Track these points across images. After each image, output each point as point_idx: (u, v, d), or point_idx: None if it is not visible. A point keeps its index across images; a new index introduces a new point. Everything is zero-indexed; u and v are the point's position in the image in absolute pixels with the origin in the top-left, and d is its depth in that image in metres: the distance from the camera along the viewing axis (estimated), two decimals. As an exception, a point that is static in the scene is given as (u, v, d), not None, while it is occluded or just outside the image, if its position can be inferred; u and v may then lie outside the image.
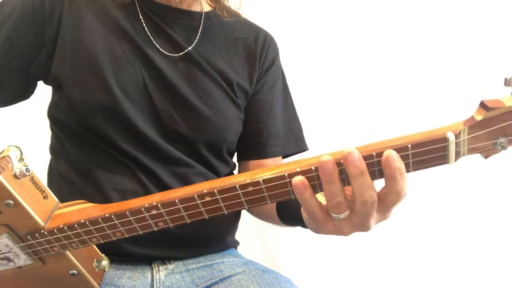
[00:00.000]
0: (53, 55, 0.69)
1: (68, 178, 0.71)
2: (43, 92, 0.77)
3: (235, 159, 0.86)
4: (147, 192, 0.68)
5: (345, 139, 1.17)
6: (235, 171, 0.85)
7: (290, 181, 0.46)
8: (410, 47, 1.22)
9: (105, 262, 0.61)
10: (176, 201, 0.48)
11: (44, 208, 0.52)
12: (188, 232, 0.69)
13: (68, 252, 0.55)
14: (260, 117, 0.80)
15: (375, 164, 0.45)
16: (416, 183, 1.14)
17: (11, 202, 0.48)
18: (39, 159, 0.85)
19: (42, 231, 0.51)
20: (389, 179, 0.44)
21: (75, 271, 0.57)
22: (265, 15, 0.99)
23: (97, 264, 0.60)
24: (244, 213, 0.79)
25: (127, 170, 0.69)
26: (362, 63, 1.23)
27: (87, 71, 0.67)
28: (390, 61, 1.22)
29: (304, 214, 0.51)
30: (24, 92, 0.76)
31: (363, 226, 0.46)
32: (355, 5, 1.23)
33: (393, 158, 0.42)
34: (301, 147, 0.84)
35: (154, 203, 0.48)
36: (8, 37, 0.69)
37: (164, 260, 0.71)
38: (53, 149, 0.77)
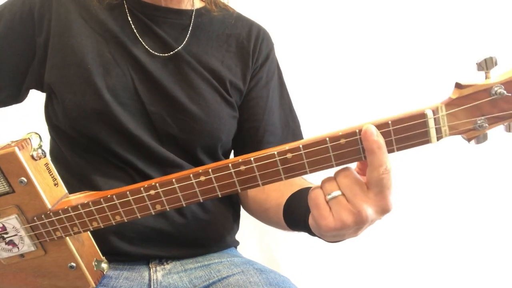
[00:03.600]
0: (45, 63, 0.70)
1: (66, 180, 0.68)
2: (44, 96, 0.77)
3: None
4: None
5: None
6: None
7: (280, 159, 0.49)
8: (403, 37, 1.22)
9: (104, 265, 0.62)
10: (173, 180, 0.51)
11: (53, 194, 0.56)
12: (186, 233, 0.69)
13: (69, 242, 0.57)
14: (256, 114, 0.79)
15: (359, 142, 0.47)
16: (413, 182, 1.14)
17: (25, 179, 0.53)
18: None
19: (48, 212, 0.54)
20: (369, 153, 0.45)
21: (74, 264, 0.58)
22: (257, 8, 0.96)
23: (96, 264, 0.61)
24: (244, 213, 0.79)
25: (123, 173, 0.69)
26: (357, 57, 1.22)
27: (77, 76, 0.67)
28: (387, 54, 1.22)
29: (310, 221, 0.52)
30: (17, 97, 0.76)
31: (362, 213, 0.46)
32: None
33: (371, 131, 0.45)
34: None
35: (153, 184, 0.51)
36: None
37: (162, 260, 0.70)
38: (52, 152, 0.78)
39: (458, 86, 0.47)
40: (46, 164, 0.56)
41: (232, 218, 0.79)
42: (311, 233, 0.57)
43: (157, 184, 0.51)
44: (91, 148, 0.70)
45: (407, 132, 0.47)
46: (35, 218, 0.55)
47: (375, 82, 1.22)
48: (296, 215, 0.61)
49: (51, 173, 0.57)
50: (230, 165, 0.50)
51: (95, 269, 0.60)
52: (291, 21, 1.21)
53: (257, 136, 0.79)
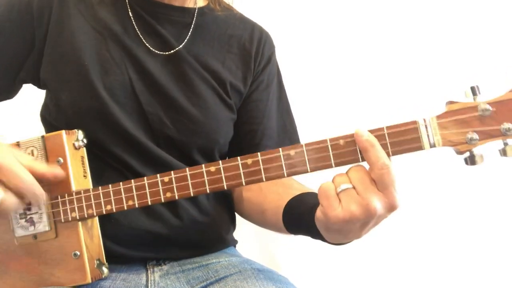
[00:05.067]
0: (42, 57, 0.69)
1: None
2: (41, 92, 0.77)
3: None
4: None
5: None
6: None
7: (284, 155, 0.54)
8: (404, 44, 1.24)
9: (105, 269, 0.63)
10: (187, 169, 0.56)
11: (80, 182, 0.62)
12: (183, 235, 0.69)
13: (80, 229, 0.60)
14: (255, 118, 0.78)
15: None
16: (414, 184, 1.13)
17: (62, 159, 0.61)
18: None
19: (71, 192, 0.60)
20: (364, 152, 0.50)
21: (78, 252, 0.60)
22: (259, 9, 0.98)
23: (98, 263, 0.62)
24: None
25: (119, 176, 0.68)
26: (358, 60, 1.23)
27: (74, 74, 0.67)
28: (387, 60, 1.22)
29: (318, 213, 0.52)
30: (8, 92, 0.76)
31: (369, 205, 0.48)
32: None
33: (362, 133, 0.50)
34: None
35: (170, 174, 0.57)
36: None
37: (159, 261, 0.69)
38: None
39: (449, 102, 0.52)
40: (82, 157, 0.64)
41: (228, 217, 0.78)
42: (312, 235, 0.57)
43: (172, 172, 0.57)
44: (88, 147, 0.66)
45: (401, 137, 0.51)
46: (58, 196, 0.60)
47: (374, 87, 1.24)
48: (297, 217, 0.61)
49: (84, 166, 0.64)
50: (238, 158, 0.55)
51: (95, 266, 0.61)
52: (292, 23, 1.23)
53: (254, 139, 0.78)
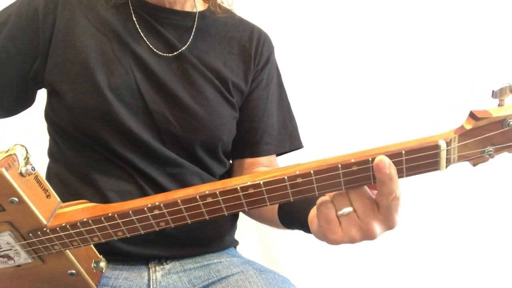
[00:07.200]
0: (47, 61, 0.70)
1: (66, 180, 0.72)
2: (43, 94, 0.78)
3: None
4: (143, 193, 0.69)
5: (340, 136, 1.19)
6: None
7: (290, 184, 0.48)
8: (403, 40, 1.23)
9: (103, 264, 0.62)
10: (179, 201, 0.49)
11: (46, 207, 0.53)
12: (185, 232, 0.70)
13: (68, 252, 0.56)
14: (255, 115, 0.81)
15: (371, 169, 0.47)
16: (414, 187, 1.16)
17: (16, 199, 0.49)
18: (37, 162, 0.86)
19: (44, 229, 0.52)
20: (380, 183, 0.46)
21: (74, 271, 0.57)
22: (258, 12, 1.00)
23: (95, 265, 0.61)
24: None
25: (123, 173, 0.70)
26: (359, 60, 1.24)
27: (79, 75, 0.68)
28: (387, 61, 1.23)
29: (316, 231, 0.52)
30: (25, 100, 0.77)
31: (369, 231, 0.48)
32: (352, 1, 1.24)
33: (384, 164, 0.45)
34: (296, 145, 0.84)
35: (157, 203, 0.50)
36: (4, 47, 0.71)
37: (161, 260, 0.72)
38: (51, 152, 0.78)
39: (473, 117, 0.46)
40: (36, 177, 0.52)
41: (230, 217, 0.80)
42: (306, 230, 0.59)
43: (162, 205, 0.50)
44: (91, 146, 0.70)
45: (419, 161, 0.47)
46: (30, 234, 0.52)
47: (374, 86, 1.23)
48: (292, 213, 0.62)
49: (42, 186, 0.53)
50: (238, 187, 0.49)
51: (94, 270, 0.60)
52: (290, 24, 1.23)
53: (255, 137, 0.81)
